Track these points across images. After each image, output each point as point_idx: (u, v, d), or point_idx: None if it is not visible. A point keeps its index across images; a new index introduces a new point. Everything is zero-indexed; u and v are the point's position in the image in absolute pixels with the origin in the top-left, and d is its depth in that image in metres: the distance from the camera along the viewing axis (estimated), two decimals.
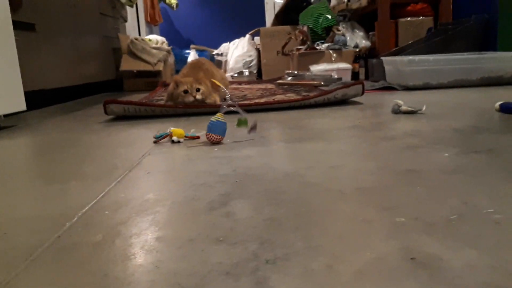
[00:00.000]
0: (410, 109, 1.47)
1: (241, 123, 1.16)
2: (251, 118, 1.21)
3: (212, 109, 1.75)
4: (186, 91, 1.72)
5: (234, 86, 3.15)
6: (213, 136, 1.12)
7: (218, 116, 1.12)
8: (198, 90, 1.73)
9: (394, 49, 2.96)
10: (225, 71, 4.40)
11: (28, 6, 2.27)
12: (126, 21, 4.27)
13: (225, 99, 2.14)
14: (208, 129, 1.12)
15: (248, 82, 3.60)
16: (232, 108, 1.18)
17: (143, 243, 0.54)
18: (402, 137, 1.10)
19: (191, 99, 1.72)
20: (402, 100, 1.52)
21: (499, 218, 0.56)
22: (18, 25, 2.06)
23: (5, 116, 1.78)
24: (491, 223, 0.54)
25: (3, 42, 1.68)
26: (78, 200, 0.73)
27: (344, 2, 3.72)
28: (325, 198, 0.68)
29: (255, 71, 4.20)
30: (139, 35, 4.53)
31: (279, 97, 2.07)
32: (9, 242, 0.58)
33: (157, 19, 4.90)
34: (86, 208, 0.69)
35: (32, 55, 2.32)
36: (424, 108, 1.49)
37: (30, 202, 0.75)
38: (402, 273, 0.44)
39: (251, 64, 4.22)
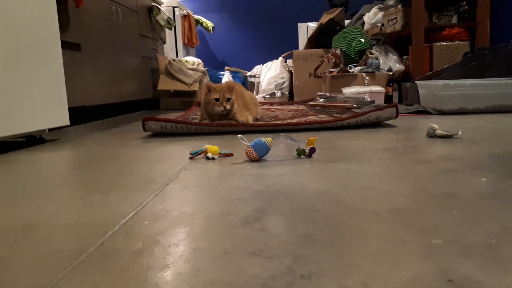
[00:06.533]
0: (445, 133, 1.45)
1: (300, 153, 1.20)
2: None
3: (244, 128, 1.79)
4: (217, 99, 1.78)
5: (266, 107, 3.19)
6: (252, 153, 1.15)
7: (268, 141, 1.16)
8: (228, 99, 1.79)
9: (428, 73, 2.93)
10: (257, 92, 4.47)
11: (75, 27, 2.41)
12: (164, 42, 4.44)
13: (257, 119, 2.18)
14: (253, 143, 1.16)
15: (280, 103, 3.64)
16: (283, 134, 1.22)
17: (181, 252, 0.56)
18: (437, 161, 1.09)
19: (221, 108, 1.78)
20: (437, 124, 1.50)
21: None
22: (65, 45, 2.19)
23: (50, 130, 1.88)
24: None
25: (52, 61, 1.79)
26: (119, 210, 0.77)
27: (377, 26, 3.73)
28: (358, 218, 0.68)
29: (286, 93, 4.24)
30: (177, 56, 4.69)
31: (311, 118, 2.08)
32: (56, 246, 0.61)
33: (194, 42, 5.06)
34: (127, 218, 0.72)
35: (76, 73, 2.45)
36: (460, 132, 1.46)
37: (74, 211, 0.79)
38: None
39: (283, 86, 4.27)
